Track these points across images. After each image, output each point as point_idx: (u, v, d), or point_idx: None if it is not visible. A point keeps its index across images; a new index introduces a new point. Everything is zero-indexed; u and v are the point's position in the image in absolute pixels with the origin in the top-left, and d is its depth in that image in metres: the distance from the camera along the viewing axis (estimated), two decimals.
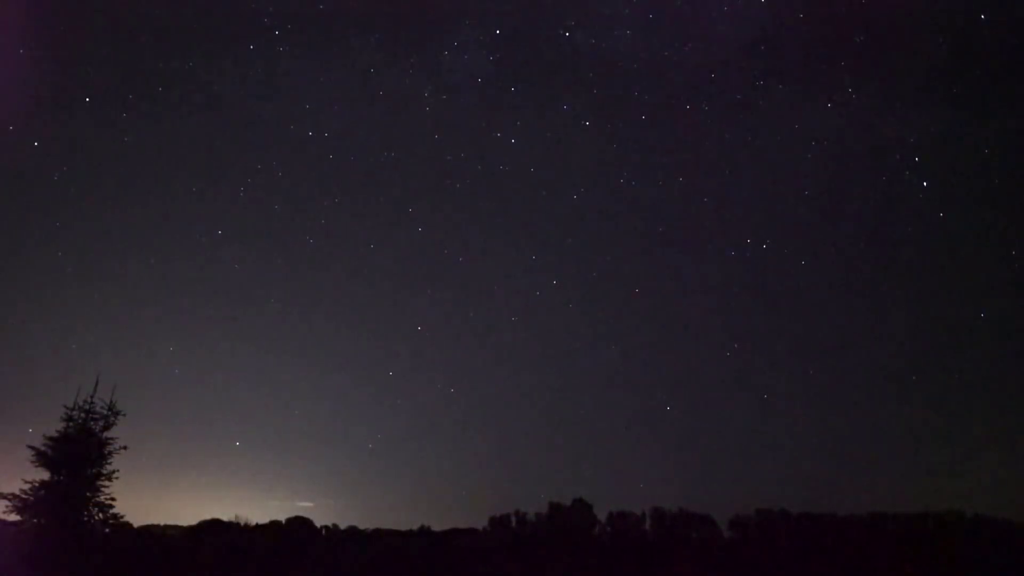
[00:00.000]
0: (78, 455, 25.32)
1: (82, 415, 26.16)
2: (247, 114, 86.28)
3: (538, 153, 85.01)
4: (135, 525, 58.67)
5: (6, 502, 24.25)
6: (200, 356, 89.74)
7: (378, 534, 61.94)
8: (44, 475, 25.01)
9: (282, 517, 62.69)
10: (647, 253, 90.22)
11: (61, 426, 25.94)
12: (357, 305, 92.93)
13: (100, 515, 25.67)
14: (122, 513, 26.24)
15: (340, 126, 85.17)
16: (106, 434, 26.30)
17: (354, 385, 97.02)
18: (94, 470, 25.67)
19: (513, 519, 65.46)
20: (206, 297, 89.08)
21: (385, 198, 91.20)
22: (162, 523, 64.60)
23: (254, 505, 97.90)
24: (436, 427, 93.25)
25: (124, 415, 26.98)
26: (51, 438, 25.32)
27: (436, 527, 63.73)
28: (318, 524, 63.79)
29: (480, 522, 64.88)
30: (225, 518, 57.24)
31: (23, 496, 24.31)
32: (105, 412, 26.46)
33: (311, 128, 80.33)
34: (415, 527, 63.35)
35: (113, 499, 25.88)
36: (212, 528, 55.42)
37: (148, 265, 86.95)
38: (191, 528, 57.93)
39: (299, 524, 62.23)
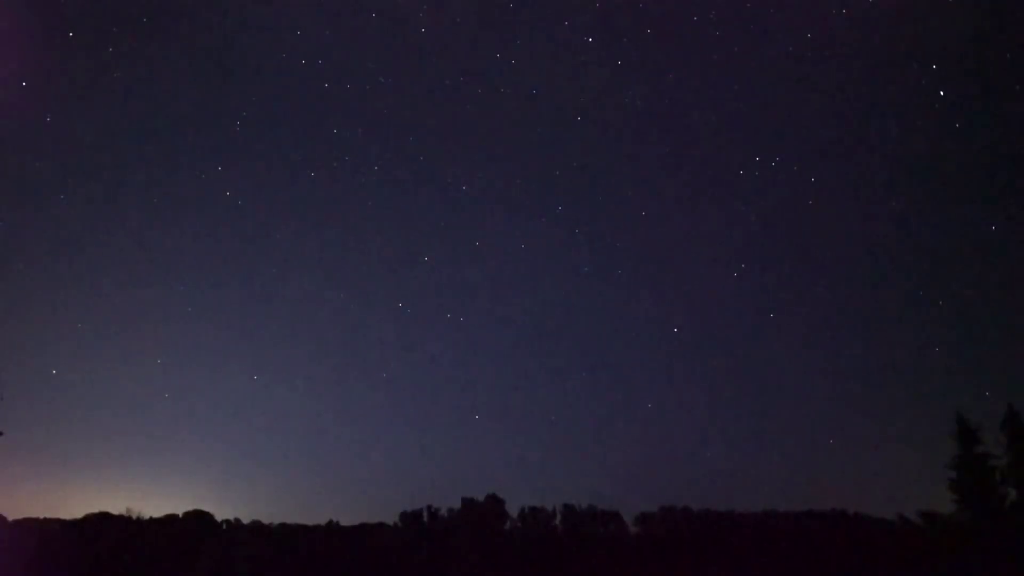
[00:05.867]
0: None
1: None
2: (237, 45, 79.18)
3: (539, 73, 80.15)
4: (10, 519, 54.09)
5: None
6: (99, 338, 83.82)
7: (283, 529, 59.75)
8: None
9: (179, 510, 59.45)
10: (651, 179, 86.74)
11: None
12: (278, 287, 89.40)
13: None
14: None
15: (333, 52, 79.25)
16: None
17: (264, 374, 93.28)
18: None
19: (425, 514, 64.96)
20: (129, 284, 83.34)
21: (383, 126, 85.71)
22: (41, 516, 59.80)
23: (150, 498, 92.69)
24: (348, 419, 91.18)
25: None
26: None
27: (345, 522, 62.29)
28: (219, 518, 60.90)
29: (391, 517, 64.00)
30: (115, 511, 53.77)
31: None
32: None
33: (304, 56, 74.59)
34: (323, 522, 61.66)
35: None
36: (100, 522, 51.77)
37: (54, 261, 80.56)
38: (75, 522, 53.91)
39: (197, 518, 59.10)
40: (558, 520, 64.16)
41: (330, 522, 61.82)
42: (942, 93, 66.62)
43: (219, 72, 77.18)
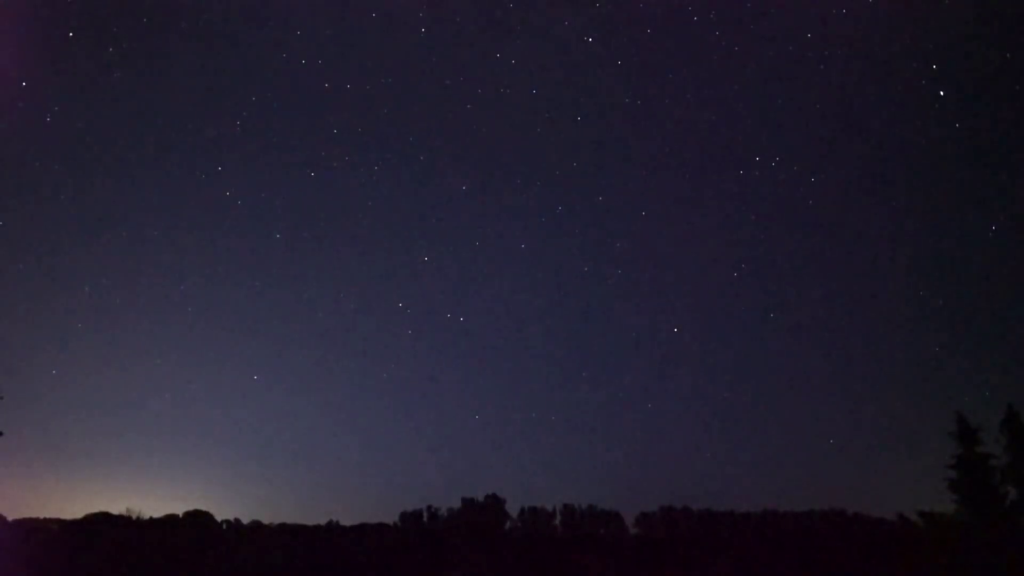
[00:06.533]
0: None
1: None
2: (237, 45, 79.00)
3: (540, 74, 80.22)
4: (10, 519, 54.12)
5: None
6: (99, 338, 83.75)
7: (283, 529, 59.78)
8: None
9: (179, 511, 59.50)
10: (653, 178, 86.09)
11: None
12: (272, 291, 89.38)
13: None
14: None
15: (333, 52, 79.34)
16: None
17: (264, 374, 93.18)
18: None
19: (425, 514, 65.07)
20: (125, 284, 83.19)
21: (383, 126, 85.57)
22: (41, 516, 59.88)
23: (150, 498, 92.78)
24: (348, 419, 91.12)
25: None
26: None
27: (345, 522, 62.36)
28: (219, 518, 60.98)
29: (391, 517, 64.07)
30: (115, 511, 53.81)
31: None
32: None
33: (304, 56, 74.44)
34: (323, 522, 61.74)
35: None
36: (100, 522, 51.77)
37: (45, 257, 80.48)
38: (75, 522, 53.93)
39: (197, 518, 59.13)
40: (558, 520, 64.29)
41: (330, 522, 61.97)
42: (942, 93, 66.50)
43: (219, 72, 77.16)
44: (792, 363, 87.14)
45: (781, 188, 78.14)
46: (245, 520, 62.63)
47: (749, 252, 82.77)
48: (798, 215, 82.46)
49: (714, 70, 75.76)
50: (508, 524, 63.35)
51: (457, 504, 63.93)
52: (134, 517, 51.79)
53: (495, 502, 63.95)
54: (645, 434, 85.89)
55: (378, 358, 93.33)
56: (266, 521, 61.14)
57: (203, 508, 60.26)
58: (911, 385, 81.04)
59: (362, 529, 61.00)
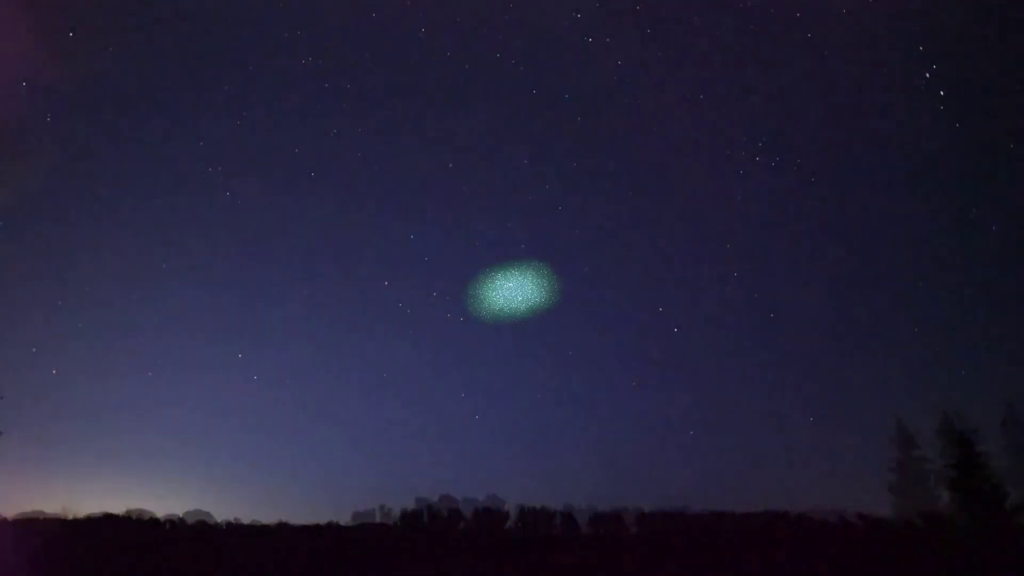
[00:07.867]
0: None
1: None
2: (238, 45, 79.64)
3: (539, 72, 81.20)
4: (10, 518, 54.29)
5: None
6: (99, 339, 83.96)
7: (283, 529, 59.84)
8: None
9: (179, 511, 59.53)
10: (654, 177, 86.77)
11: None
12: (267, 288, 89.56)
13: None
14: None
15: (333, 52, 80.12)
16: None
17: (264, 375, 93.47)
18: None
19: (425, 514, 65.09)
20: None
21: (383, 126, 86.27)
22: (42, 516, 59.95)
23: (150, 498, 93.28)
24: (348, 420, 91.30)
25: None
26: None
27: (344, 522, 62.41)
28: (219, 518, 61.06)
29: (391, 517, 64.10)
30: (115, 511, 53.91)
31: None
32: None
33: (304, 56, 74.77)
34: (323, 522, 61.81)
35: None
36: (100, 522, 51.88)
37: (41, 261, 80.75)
38: (75, 522, 54.02)
39: (197, 518, 59.23)
40: (558, 520, 64.30)
41: (330, 522, 61.98)
42: (942, 93, 67.00)
43: (219, 72, 77.75)
44: (791, 363, 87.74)
45: (781, 188, 78.78)
46: (245, 520, 62.68)
47: (749, 252, 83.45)
48: (798, 215, 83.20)
49: (714, 70, 76.35)
50: (508, 524, 63.48)
51: (457, 504, 64.04)
52: (133, 517, 51.93)
53: (495, 502, 64.04)
54: (645, 434, 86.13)
55: (378, 358, 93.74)
56: (266, 521, 61.24)
57: (203, 508, 60.39)
58: (911, 385, 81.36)
59: (362, 529, 61.03)
